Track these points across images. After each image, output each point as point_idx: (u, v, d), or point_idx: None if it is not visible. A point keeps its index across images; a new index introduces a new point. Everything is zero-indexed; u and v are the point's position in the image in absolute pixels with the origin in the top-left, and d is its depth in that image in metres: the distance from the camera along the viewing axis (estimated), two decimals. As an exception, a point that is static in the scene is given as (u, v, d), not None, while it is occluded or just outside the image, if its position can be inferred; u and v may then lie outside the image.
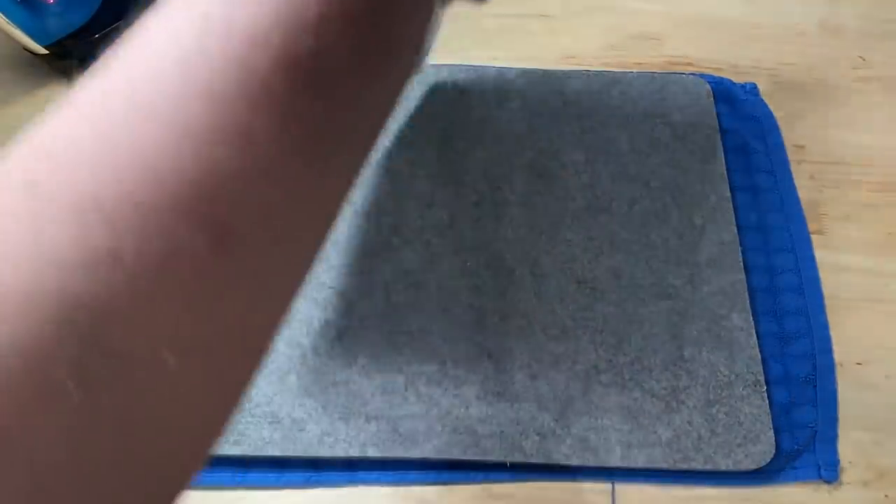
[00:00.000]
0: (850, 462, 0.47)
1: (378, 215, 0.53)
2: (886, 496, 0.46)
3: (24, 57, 0.59)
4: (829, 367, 0.49)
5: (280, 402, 0.46)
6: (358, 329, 0.49)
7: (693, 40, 0.64)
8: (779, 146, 0.57)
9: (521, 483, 0.46)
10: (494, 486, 0.46)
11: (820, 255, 0.53)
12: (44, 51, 0.57)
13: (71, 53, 0.58)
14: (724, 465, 0.45)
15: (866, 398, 0.49)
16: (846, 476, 0.47)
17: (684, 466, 0.45)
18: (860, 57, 0.63)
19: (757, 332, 0.49)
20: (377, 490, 0.46)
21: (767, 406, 0.47)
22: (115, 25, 0.58)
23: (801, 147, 0.58)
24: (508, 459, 0.45)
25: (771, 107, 0.59)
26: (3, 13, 0.54)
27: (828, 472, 0.46)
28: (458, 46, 0.62)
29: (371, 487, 0.46)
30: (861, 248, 0.54)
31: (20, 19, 0.55)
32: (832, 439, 0.47)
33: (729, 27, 0.65)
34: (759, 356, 0.48)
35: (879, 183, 0.57)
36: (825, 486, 0.46)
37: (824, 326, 0.51)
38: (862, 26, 0.65)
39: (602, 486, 0.46)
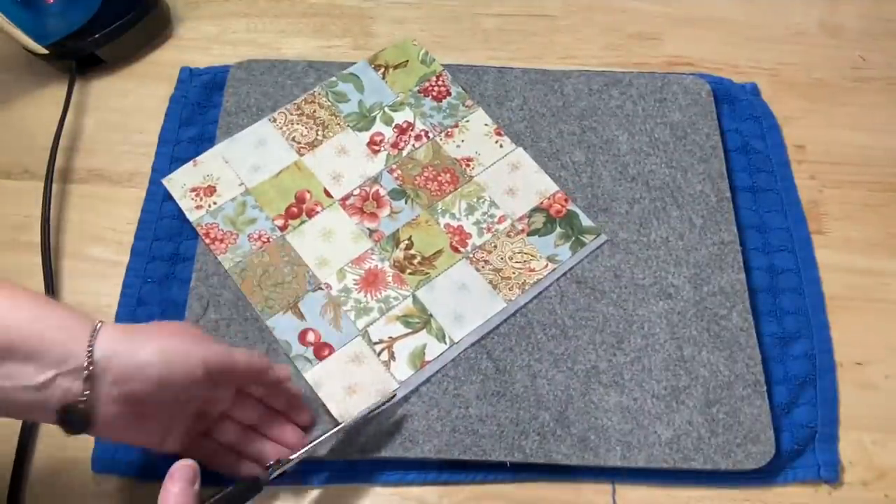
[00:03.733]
0: (850, 462, 0.47)
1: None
2: (886, 496, 0.46)
3: (24, 57, 0.59)
4: (829, 368, 0.49)
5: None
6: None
7: (693, 40, 0.63)
8: (779, 146, 0.57)
9: (520, 483, 0.46)
10: (494, 487, 0.46)
11: (820, 255, 0.53)
12: (44, 51, 0.57)
13: (71, 53, 0.58)
14: (724, 464, 0.45)
15: (866, 398, 0.49)
16: (846, 476, 0.47)
17: (684, 466, 0.45)
18: (860, 57, 0.63)
19: (757, 332, 0.49)
20: (377, 490, 0.46)
21: (768, 406, 0.47)
22: (115, 25, 0.58)
23: (801, 147, 0.58)
24: (508, 459, 0.45)
25: (771, 107, 0.59)
26: (3, 13, 0.54)
27: (828, 471, 0.46)
28: (458, 46, 0.62)
29: (371, 487, 0.46)
30: (861, 248, 0.54)
31: (20, 19, 0.55)
32: (832, 439, 0.47)
33: (729, 27, 0.64)
34: (759, 356, 0.48)
35: (879, 183, 0.57)
36: (825, 486, 0.46)
37: (824, 326, 0.51)
38: (862, 26, 0.65)
39: (602, 487, 0.46)
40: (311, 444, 0.42)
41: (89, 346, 0.35)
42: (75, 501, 0.45)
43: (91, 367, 0.35)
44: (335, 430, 0.43)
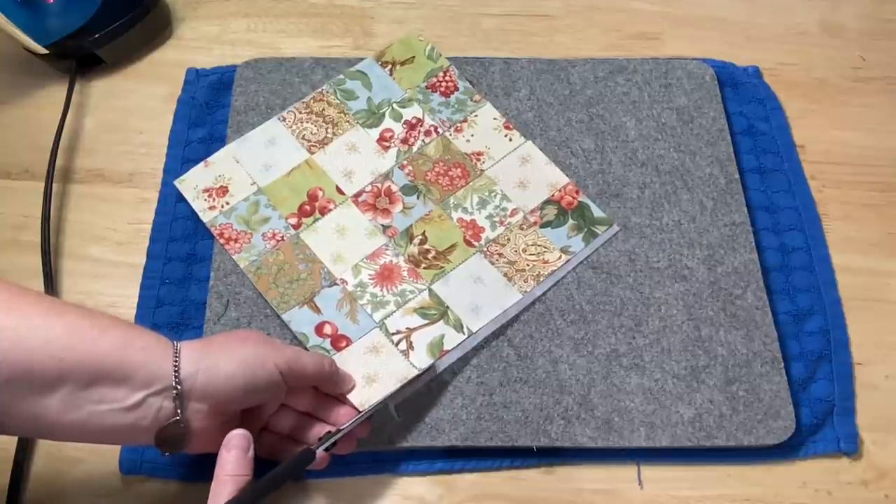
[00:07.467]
0: (850, 462, 0.47)
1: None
2: (886, 496, 0.46)
3: (24, 57, 0.58)
4: (844, 342, 0.50)
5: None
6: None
7: (693, 40, 0.63)
8: (783, 127, 0.58)
9: (518, 483, 0.46)
10: (492, 488, 0.46)
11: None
12: (44, 51, 0.56)
13: (71, 53, 0.57)
14: (746, 441, 0.46)
15: (866, 398, 0.49)
16: (846, 476, 0.47)
17: (708, 444, 0.46)
18: (860, 57, 0.63)
19: (772, 310, 0.50)
20: (377, 490, 0.45)
21: (786, 382, 0.47)
22: (115, 25, 0.58)
23: (802, 147, 0.58)
24: (535, 444, 0.45)
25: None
26: (3, 13, 0.53)
27: (847, 444, 0.47)
28: (458, 46, 0.62)
29: (370, 487, 0.45)
30: (861, 248, 0.54)
31: (20, 19, 0.54)
32: (850, 412, 0.48)
33: (729, 27, 0.64)
34: (775, 334, 0.49)
35: (879, 183, 0.57)
36: (825, 487, 0.46)
37: (836, 302, 0.51)
38: (862, 26, 0.65)
39: (601, 487, 0.46)
40: (362, 415, 0.43)
41: (175, 366, 0.36)
42: (75, 501, 0.45)
43: (179, 387, 0.36)
44: (381, 399, 0.44)
